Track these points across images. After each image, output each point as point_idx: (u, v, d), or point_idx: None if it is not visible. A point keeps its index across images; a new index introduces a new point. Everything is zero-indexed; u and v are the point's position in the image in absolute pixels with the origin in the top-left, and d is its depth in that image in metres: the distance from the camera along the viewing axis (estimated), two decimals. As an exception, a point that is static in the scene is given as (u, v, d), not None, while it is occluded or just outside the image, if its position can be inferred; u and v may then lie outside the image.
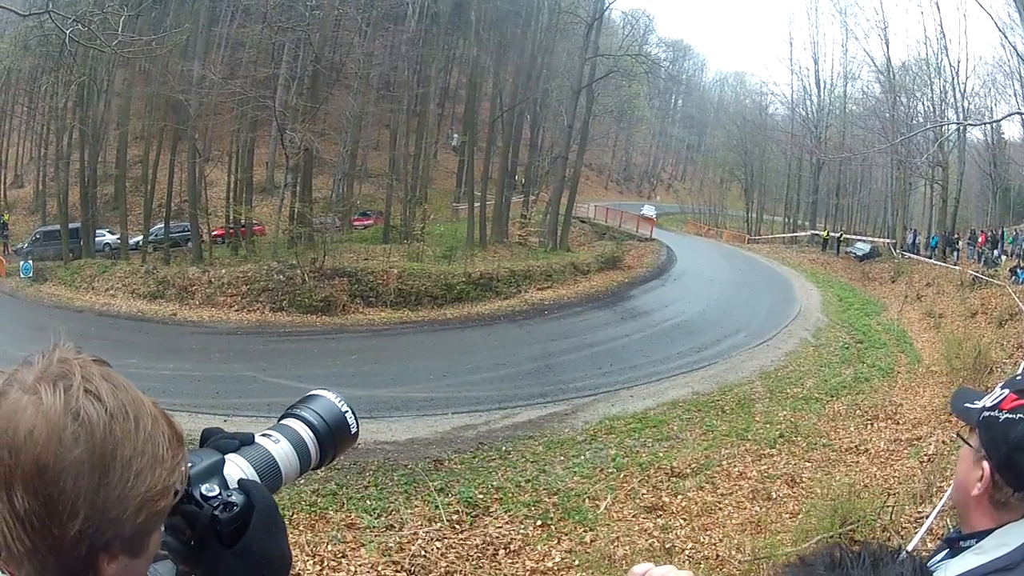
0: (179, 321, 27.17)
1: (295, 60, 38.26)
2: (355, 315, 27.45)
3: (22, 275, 34.90)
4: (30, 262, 35.65)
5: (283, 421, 1.33)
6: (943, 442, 15.39)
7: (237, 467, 1.19)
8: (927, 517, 10.49)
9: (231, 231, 37.42)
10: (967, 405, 1.83)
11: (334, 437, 1.34)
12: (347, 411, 1.36)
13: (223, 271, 29.78)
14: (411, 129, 43.90)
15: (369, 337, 25.34)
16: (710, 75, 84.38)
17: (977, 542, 1.70)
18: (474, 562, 12.30)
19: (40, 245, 38.40)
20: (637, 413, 18.51)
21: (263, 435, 1.28)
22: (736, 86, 75.13)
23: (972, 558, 1.68)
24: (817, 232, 49.41)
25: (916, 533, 9.99)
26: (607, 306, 30.21)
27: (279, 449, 1.27)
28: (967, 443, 1.80)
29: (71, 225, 37.77)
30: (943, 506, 10.48)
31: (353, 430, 1.38)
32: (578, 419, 18.23)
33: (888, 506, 11.72)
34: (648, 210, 55.35)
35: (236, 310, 27.63)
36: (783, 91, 57.81)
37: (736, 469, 15.65)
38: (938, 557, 1.81)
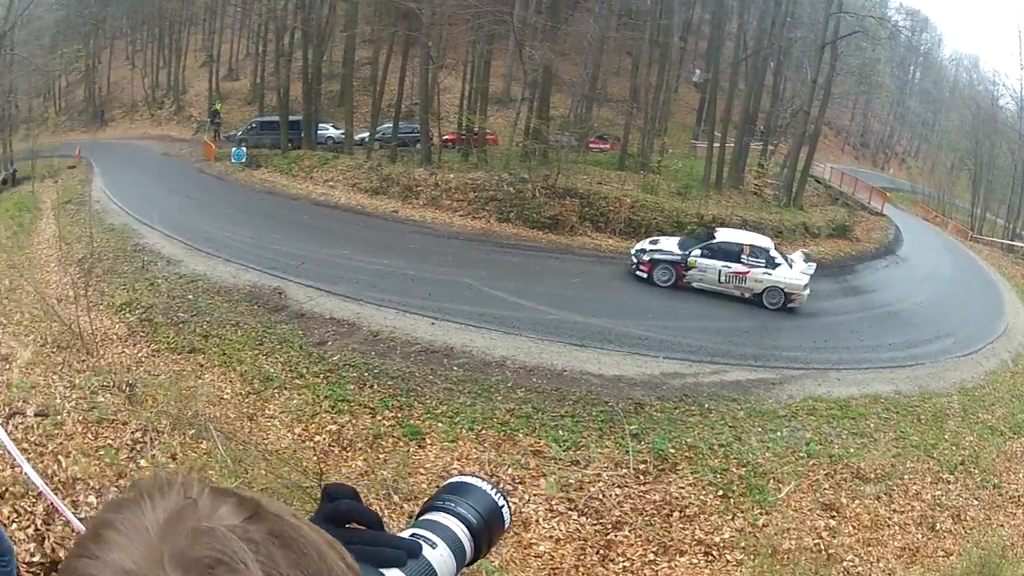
0: (400, 219, 27.29)
1: (531, -23, 37.46)
2: (582, 237, 26.77)
3: (233, 160, 35.84)
4: (243, 148, 36.46)
5: (435, 516, 1.20)
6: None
7: None
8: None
9: (463, 137, 37.12)
10: None
11: (489, 532, 1.23)
12: (503, 505, 1.26)
13: (451, 176, 29.61)
14: (653, 59, 42.32)
15: (593, 263, 24.83)
16: (947, 52, 78.17)
17: None
18: (647, 518, 12.39)
19: (256, 134, 39.11)
20: (840, 399, 17.65)
21: (414, 533, 1.14)
22: (971, 69, 69.56)
23: None
24: (1039, 246, 45.65)
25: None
26: (832, 276, 28.72)
27: (438, 556, 1.13)
28: None
29: (292, 118, 38.11)
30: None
31: (507, 524, 1.27)
32: (784, 391, 17.49)
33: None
34: None
35: (461, 215, 27.41)
36: (1013, 86, 52.87)
37: (914, 487, 15.22)
38: None
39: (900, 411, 18.01)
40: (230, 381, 15.43)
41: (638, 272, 23.41)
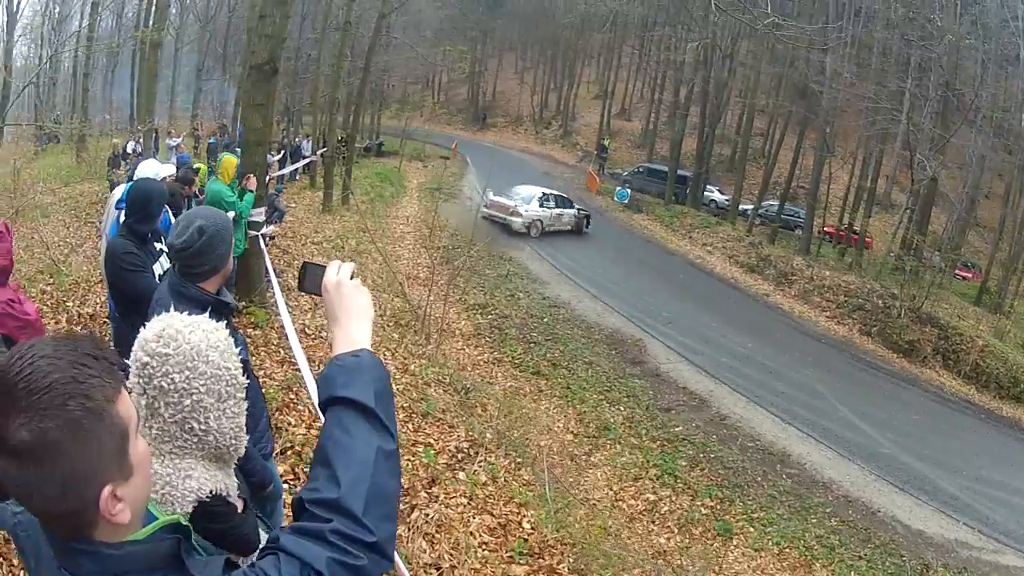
0: (770, 304, 26.73)
1: (922, 79, 35.15)
2: (930, 371, 24.86)
3: (616, 199, 36.76)
4: (627, 189, 37.32)
5: None
6: None
7: None
8: None
9: (842, 233, 36.14)
10: None
11: None
12: None
13: (827, 272, 28.78)
14: (1022, 187, 39.04)
15: (934, 401, 22.89)
16: None
17: None
18: None
19: (642, 179, 39.87)
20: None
21: None
22: None
23: None
24: None
25: None
26: None
27: None
28: None
29: (680, 172, 38.49)
30: None
31: None
32: (1030, 586, 16.02)
33: None
34: None
35: (827, 316, 26.53)
36: None
37: None
38: None
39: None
40: (565, 417, 15.38)
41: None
